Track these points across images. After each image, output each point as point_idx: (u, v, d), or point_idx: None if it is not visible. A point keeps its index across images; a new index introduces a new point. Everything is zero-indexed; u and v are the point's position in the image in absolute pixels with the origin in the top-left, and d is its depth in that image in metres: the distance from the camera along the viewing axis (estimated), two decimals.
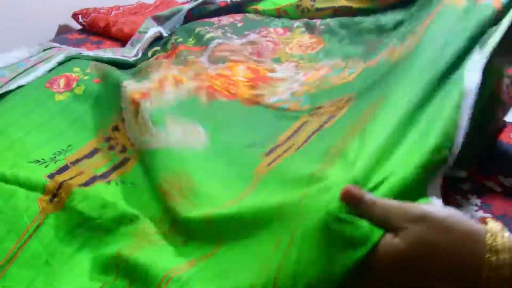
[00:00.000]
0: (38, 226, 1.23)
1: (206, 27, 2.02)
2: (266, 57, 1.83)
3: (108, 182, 1.36)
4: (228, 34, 1.98)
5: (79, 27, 2.25)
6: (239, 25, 2.06)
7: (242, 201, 1.19)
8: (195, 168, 1.33)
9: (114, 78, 1.66)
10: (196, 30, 2.02)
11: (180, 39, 2.00)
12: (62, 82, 1.69)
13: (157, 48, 2.07)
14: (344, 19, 1.96)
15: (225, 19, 2.10)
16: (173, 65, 1.77)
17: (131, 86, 1.58)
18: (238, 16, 2.12)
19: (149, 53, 2.05)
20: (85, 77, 1.71)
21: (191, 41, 1.98)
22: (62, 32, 2.28)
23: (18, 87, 1.69)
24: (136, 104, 1.51)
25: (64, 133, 1.55)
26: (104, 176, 1.38)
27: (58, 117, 1.60)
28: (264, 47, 1.88)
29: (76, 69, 1.75)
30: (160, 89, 1.58)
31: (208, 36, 1.95)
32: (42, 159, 1.42)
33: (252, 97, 1.62)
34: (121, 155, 1.46)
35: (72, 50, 1.93)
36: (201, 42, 1.94)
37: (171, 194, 1.26)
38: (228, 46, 1.88)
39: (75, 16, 2.23)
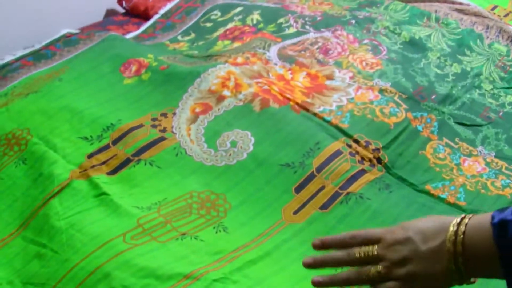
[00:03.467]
0: (61, 188, 1.28)
1: (289, 16, 1.94)
2: (331, 57, 1.75)
3: (138, 162, 1.36)
4: (307, 27, 1.90)
5: (122, 10, 2.24)
6: (318, 18, 1.95)
7: (258, 249, 1.20)
8: (230, 189, 1.32)
9: (181, 72, 1.60)
10: (280, 20, 1.93)
11: (262, 25, 1.92)
12: (134, 68, 1.65)
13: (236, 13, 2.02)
14: (407, 55, 1.85)
15: (307, 10, 2.01)
16: (241, 54, 1.68)
17: (196, 94, 1.54)
18: (319, 12, 2.01)
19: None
20: (154, 63, 1.65)
21: (271, 27, 1.90)
22: (109, 15, 2.27)
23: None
24: (195, 116, 1.49)
25: (120, 110, 1.51)
26: (136, 154, 1.37)
27: (120, 98, 1.57)
28: (333, 47, 1.80)
29: (150, 55, 1.69)
30: (220, 99, 1.51)
31: (288, 31, 1.87)
32: (91, 135, 1.43)
33: (303, 103, 1.53)
34: (160, 133, 1.43)
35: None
36: (279, 34, 1.86)
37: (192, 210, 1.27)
38: (299, 45, 1.81)
39: (119, 1, 2.22)
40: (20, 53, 1.78)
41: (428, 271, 0.87)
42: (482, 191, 1.39)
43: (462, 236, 0.84)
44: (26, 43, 1.86)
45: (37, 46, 1.82)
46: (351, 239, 0.93)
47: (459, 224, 0.85)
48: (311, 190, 1.32)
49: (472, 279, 0.88)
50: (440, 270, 0.86)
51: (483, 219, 0.84)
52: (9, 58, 1.75)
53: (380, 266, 0.89)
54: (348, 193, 1.31)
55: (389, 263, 0.89)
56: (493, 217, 0.83)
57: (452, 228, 0.85)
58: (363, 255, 0.91)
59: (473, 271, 0.85)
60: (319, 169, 1.35)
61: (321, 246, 0.96)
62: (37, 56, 1.77)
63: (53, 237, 1.19)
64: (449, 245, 0.85)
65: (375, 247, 0.91)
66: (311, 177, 1.34)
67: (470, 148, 1.51)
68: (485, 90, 1.74)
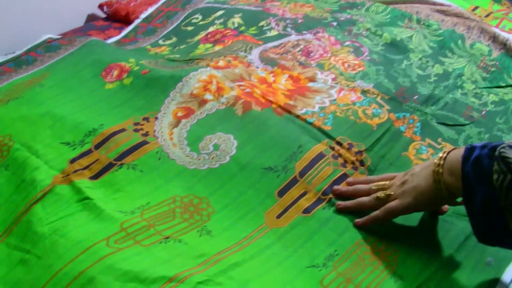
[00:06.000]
0: (44, 194, 1.27)
1: (270, 19, 1.97)
2: (313, 59, 1.77)
3: (120, 166, 1.35)
4: (289, 29, 1.92)
5: (104, 15, 2.27)
6: (299, 21, 1.97)
7: (242, 252, 1.21)
8: (213, 193, 1.33)
9: (163, 76, 1.61)
10: (261, 23, 1.96)
11: (243, 28, 1.93)
12: (115, 72, 1.65)
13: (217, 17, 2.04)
14: (389, 57, 1.87)
15: (289, 13, 2.03)
16: (222, 57, 1.69)
17: (178, 98, 1.54)
18: (300, 14, 2.02)
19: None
20: (136, 68, 1.66)
21: (252, 30, 1.92)
22: (90, 20, 2.30)
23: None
24: (177, 120, 1.49)
25: (102, 115, 1.51)
26: (119, 158, 1.37)
27: (102, 103, 1.56)
28: (314, 49, 1.81)
29: (132, 60, 1.69)
30: (202, 103, 1.52)
31: (269, 34, 1.89)
32: (73, 141, 1.42)
33: (286, 105, 1.54)
34: (142, 137, 1.43)
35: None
36: (261, 37, 1.88)
37: (175, 214, 1.27)
38: (281, 48, 1.82)
39: (100, 6, 2.26)
40: (0, 59, 1.78)
41: (420, 185, 1.16)
42: None
43: (445, 157, 1.12)
44: (6, 49, 1.86)
45: (18, 52, 1.82)
46: (371, 179, 1.32)
47: (445, 152, 1.13)
48: (294, 194, 1.32)
49: (458, 200, 1.16)
50: (427, 184, 1.14)
51: (462, 148, 1.10)
52: None
53: (387, 190, 1.23)
54: (330, 199, 1.32)
55: (394, 186, 1.22)
56: (468, 145, 1.09)
57: (440, 155, 1.13)
58: (378, 187, 1.26)
59: (450, 186, 1.10)
60: (302, 173, 1.36)
61: (350, 184, 1.34)
62: (18, 62, 1.77)
63: (36, 243, 1.19)
64: (434, 165, 1.13)
65: (387, 182, 1.26)
66: (294, 182, 1.34)
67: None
68: (468, 90, 1.75)
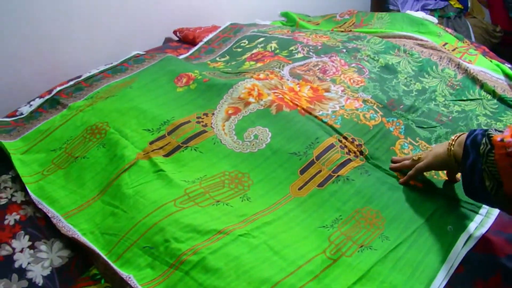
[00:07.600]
0: (130, 166, 1.27)
1: (298, 45, 1.91)
2: (328, 76, 1.72)
3: (186, 148, 1.35)
4: (311, 53, 1.87)
5: (176, 39, 2.24)
6: (319, 47, 1.92)
7: (272, 214, 1.21)
8: (253, 170, 1.32)
9: (218, 84, 1.58)
10: (291, 48, 1.90)
11: (278, 51, 1.88)
12: (184, 80, 1.62)
13: (259, 42, 1.99)
14: (383, 76, 1.81)
15: (311, 41, 1.98)
16: (262, 71, 1.66)
17: (229, 100, 1.52)
18: (319, 42, 1.97)
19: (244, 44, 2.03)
20: (199, 77, 1.62)
21: (284, 53, 1.87)
22: (167, 42, 2.28)
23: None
24: (228, 116, 1.46)
25: (173, 110, 1.48)
26: (185, 142, 1.36)
27: (174, 102, 1.54)
28: (329, 68, 1.77)
29: (196, 71, 1.66)
30: (247, 104, 1.49)
31: (297, 56, 1.83)
32: (152, 128, 1.41)
33: (308, 108, 1.51)
34: (202, 127, 1.41)
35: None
36: (290, 57, 1.82)
37: (224, 184, 1.27)
38: (305, 66, 1.77)
39: (174, 32, 2.22)
40: (102, 68, 1.77)
41: (438, 152, 1.23)
42: (434, 177, 1.36)
43: (459, 135, 1.16)
44: (106, 61, 1.85)
45: (114, 63, 1.81)
46: (409, 156, 1.36)
47: (458, 134, 1.18)
48: (311, 172, 1.30)
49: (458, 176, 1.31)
50: (442, 152, 1.20)
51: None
52: (94, 71, 1.74)
53: (420, 155, 1.30)
54: (338, 176, 1.30)
55: (424, 153, 1.30)
56: (473, 129, 1.12)
57: (456, 135, 1.18)
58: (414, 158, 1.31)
59: (456, 153, 1.15)
60: (318, 157, 1.33)
61: (395, 161, 1.39)
62: (114, 70, 1.76)
63: (123, 201, 1.19)
64: (451, 140, 1.17)
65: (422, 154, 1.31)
66: (312, 163, 1.32)
67: (427, 145, 1.49)
68: (439, 101, 1.71)
